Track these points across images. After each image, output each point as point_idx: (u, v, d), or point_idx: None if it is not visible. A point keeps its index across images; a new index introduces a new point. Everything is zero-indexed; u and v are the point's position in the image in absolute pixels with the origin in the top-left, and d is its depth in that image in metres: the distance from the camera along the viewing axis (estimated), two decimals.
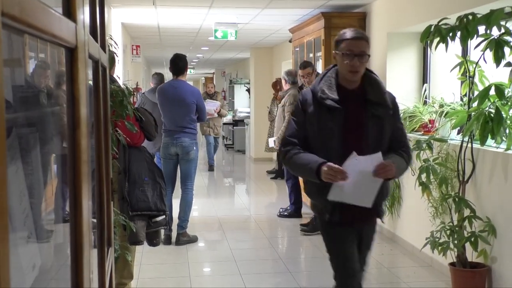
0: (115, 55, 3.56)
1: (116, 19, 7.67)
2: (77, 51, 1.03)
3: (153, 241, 3.75)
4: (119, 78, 4.07)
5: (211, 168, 11.32)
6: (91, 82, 1.55)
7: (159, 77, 8.48)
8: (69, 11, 1.01)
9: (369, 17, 6.55)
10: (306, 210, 6.99)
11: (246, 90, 14.97)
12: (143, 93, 7.94)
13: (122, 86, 3.32)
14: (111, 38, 3.58)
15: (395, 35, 6.01)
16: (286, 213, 6.98)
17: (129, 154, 3.66)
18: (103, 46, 1.77)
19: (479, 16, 3.84)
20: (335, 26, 6.58)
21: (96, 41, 1.56)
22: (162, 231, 5.20)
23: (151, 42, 11.44)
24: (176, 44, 11.83)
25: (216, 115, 10.92)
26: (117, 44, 3.68)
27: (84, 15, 1.17)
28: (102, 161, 1.64)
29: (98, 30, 1.62)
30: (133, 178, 3.63)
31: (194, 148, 5.75)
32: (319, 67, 6.86)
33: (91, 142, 1.46)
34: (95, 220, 1.58)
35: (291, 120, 2.93)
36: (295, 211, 6.93)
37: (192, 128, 5.75)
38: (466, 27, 3.90)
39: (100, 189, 1.60)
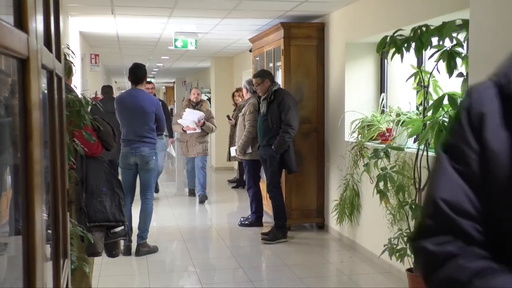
0: (72, 64, 3.52)
1: (74, 28, 7.57)
2: (29, 62, 1.02)
3: (112, 252, 3.70)
4: (76, 87, 4.02)
5: (202, 200, 8.53)
6: (46, 92, 1.53)
7: (108, 89, 8.67)
8: (21, 22, 1.01)
9: (327, 28, 6.65)
10: (267, 219, 7.02)
11: (207, 99, 14.96)
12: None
13: (80, 95, 3.28)
14: (68, 47, 3.54)
15: (353, 46, 6.12)
16: (247, 222, 6.98)
17: (86, 165, 3.61)
18: (58, 56, 1.76)
19: (432, 28, 3.96)
20: (294, 36, 6.65)
21: (51, 51, 1.55)
22: (122, 242, 5.14)
23: (110, 51, 11.33)
24: (136, 53, 11.74)
25: (199, 129, 8.20)
26: (74, 54, 3.64)
27: (36, 25, 1.17)
28: (58, 172, 1.62)
29: (52, 40, 1.61)
30: (90, 189, 3.58)
31: (154, 157, 5.72)
32: (279, 77, 6.92)
33: (46, 153, 1.45)
34: (50, 232, 1.57)
35: (445, 165, 1.08)
36: (256, 220, 6.95)
37: (151, 137, 5.72)
38: (420, 39, 4.01)
39: (55, 200, 1.58)
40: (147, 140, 5.67)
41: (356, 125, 5.68)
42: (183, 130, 8.33)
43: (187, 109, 8.27)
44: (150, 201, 5.84)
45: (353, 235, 5.90)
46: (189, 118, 8.21)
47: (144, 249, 5.71)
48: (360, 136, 5.58)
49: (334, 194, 6.35)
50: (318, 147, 6.74)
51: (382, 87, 6.13)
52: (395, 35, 4.21)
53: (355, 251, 5.78)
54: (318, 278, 5.11)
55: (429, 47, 4.02)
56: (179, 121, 8.28)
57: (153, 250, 5.80)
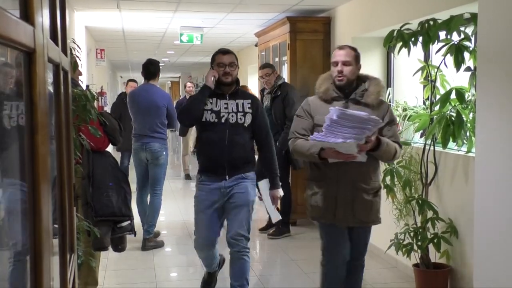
0: (77, 58, 3.51)
1: (80, 23, 7.57)
2: (35, 55, 1.01)
3: (118, 246, 3.71)
4: (82, 82, 4.02)
5: None
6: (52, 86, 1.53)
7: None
8: (27, 15, 1.00)
9: (333, 22, 6.62)
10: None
11: None
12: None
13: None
14: (73, 42, 3.53)
15: (360, 40, 6.08)
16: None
17: (93, 159, 3.61)
18: (64, 49, 1.75)
19: (439, 21, 3.93)
20: (300, 30, 6.63)
21: (57, 44, 1.54)
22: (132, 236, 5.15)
23: (116, 45, 11.33)
24: (141, 48, 11.74)
25: (363, 157, 3.22)
26: (79, 48, 3.64)
27: (43, 18, 1.16)
28: (64, 166, 1.62)
29: (58, 34, 1.60)
30: (97, 183, 3.58)
31: (164, 153, 5.76)
32: (285, 71, 6.90)
33: (52, 147, 1.44)
34: (56, 226, 1.56)
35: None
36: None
37: (162, 133, 5.77)
38: (427, 33, 3.98)
39: (61, 194, 1.57)
40: (157, 136, 5.70)
41: None
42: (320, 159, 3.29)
43: (334, 108, 3.08)
44: (159, 196, 5.87)
45: None
46: (345, 135, 3.08)
47: (150, 244, 5.71)
48: None
49: None
50: None
51: (388, 81, 6.09)
52: (402, 29, 4.18)
53: None
54: None
55: (436, 41, 4.00)
56: (324, 140, 3.09)
57: (159, 245, 5.81)
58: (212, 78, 3.80)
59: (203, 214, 3.88)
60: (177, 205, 8.07)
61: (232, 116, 3.77)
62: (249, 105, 3.83)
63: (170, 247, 5.93)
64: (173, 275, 5.21)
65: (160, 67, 5.93)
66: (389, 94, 5.78)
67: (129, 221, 3.64)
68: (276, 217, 4.03)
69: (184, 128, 9.18)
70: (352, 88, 3.37)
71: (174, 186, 10.00)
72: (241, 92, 3.94)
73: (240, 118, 3.79)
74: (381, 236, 5.25)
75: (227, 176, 3.78)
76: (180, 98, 13.13)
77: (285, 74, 6.83)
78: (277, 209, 4.07)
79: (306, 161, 3.48)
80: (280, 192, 3.95)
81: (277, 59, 7.30)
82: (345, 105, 3.26)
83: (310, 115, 3.37)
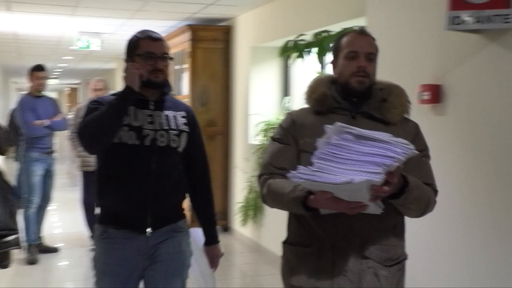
0: None
1: None
2: None
3: (1, 263, 3.50)
4: None
5: None
6: None
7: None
8: None
9: (233, 31, 6.68)
10: None
11: None
12: None
13: None
14: None
15: (258, 49, 6.18)
16: None
17: None
18: None
19: (332, 33, 4.08)
20: (201, 38, 6.63)
21: None
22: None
23: (7, 49, 10.78)
24: (36, 53, 11.24)
25: (374, 207, 1.86)
26: None
27: None
28: None
29: None
30: None
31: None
32: (185, 79, 6.87)
33: None
34: None
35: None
36: None
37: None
38: (321, 44, 4.12)
39: None
40: None
41: (261, 128, 5.75)
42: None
43: (332, 126, 1.80)
44: (27, 207, 5.59)
45: (257, 237, 5.95)
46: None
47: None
48: (265, 138, 5.64)
49: (238, 196, 6.38)
50: (223, 150, 6.75)
51: (286, 90, 6.23)
52: (298, 39, 4.30)
53: (259, 252, 5.83)
54: (222, 280, 5.09)
55: (328, 52, 4.15)
56: (315, 179, 1.72)
57: (30, 260, 5.51)
58: (137, 75, 2.34)
59: None
60: (72, 217, 7.78)
61: (162, 136, 2.40)
62: (184, 120, 2.49)
63: (67, 260, 5.70)
64: None
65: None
66: (286, 102, 5.92)
67: (15, 236, 3.45)
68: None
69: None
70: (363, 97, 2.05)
71: (72, 196, 9.63)
72: (171, 100, 2.54)
73: (173, 140, 2.42)
74: (278, 241, 5.33)
75: (150, 229, 2.39)
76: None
77: (185, 82, 6.80)
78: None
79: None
80: (221, 249, 2.74)
81: (177, 67, 7.25)
82: (349, 121, 1.93)
83: (294, 137, 2.08)
